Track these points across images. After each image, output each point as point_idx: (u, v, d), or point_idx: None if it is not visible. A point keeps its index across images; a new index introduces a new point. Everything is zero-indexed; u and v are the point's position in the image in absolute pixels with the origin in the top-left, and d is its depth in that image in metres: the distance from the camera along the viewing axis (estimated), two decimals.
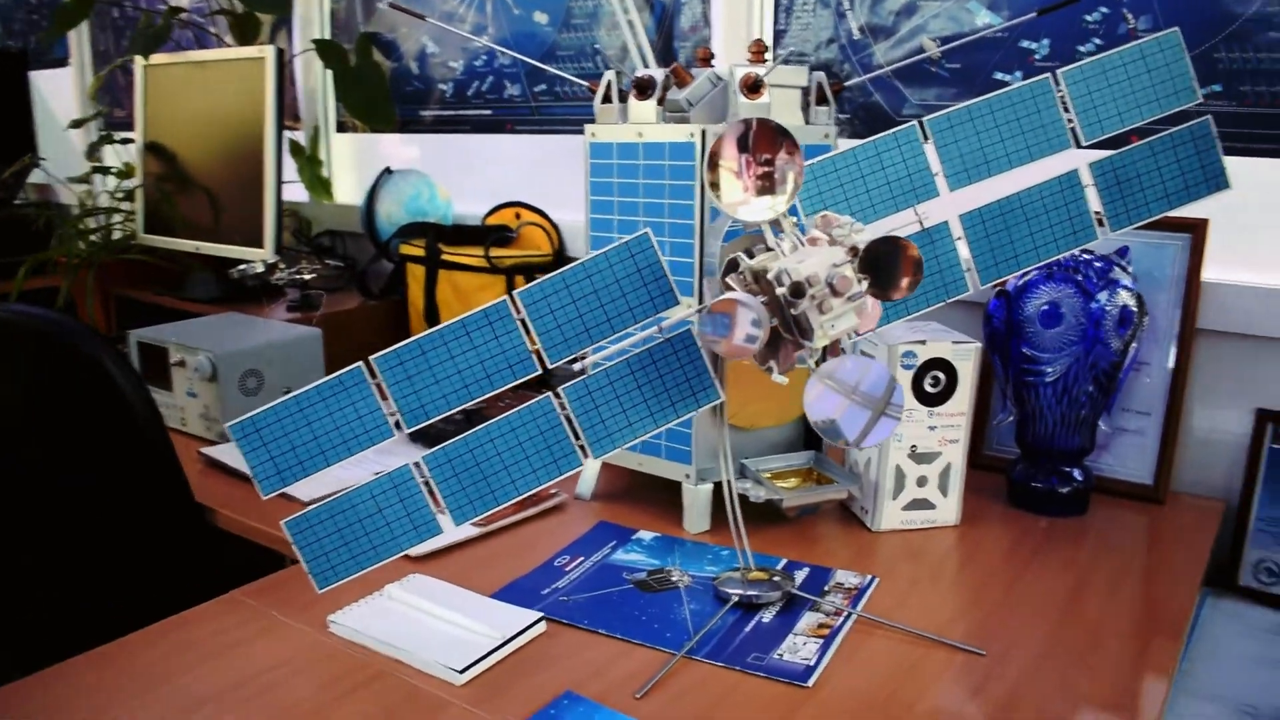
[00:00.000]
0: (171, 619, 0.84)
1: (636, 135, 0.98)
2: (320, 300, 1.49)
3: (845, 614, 0.84)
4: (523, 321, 0.78)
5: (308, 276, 1.52)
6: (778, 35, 1.34)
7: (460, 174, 1.75)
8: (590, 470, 1.12)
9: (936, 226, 0.83)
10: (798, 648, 0.79)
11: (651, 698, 0.72)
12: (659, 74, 0.98)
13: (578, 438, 0.79)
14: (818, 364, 0.67)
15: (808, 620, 0.83)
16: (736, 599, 0.85)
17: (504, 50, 1.16)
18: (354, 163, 1.95)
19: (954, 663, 0.77)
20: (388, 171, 1.66)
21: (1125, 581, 0.91)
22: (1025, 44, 1.16)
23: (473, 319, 0.77)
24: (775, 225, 0.66)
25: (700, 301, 0.96)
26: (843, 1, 1.27)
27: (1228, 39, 1.03)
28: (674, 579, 0.91)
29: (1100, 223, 0.83)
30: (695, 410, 0.81)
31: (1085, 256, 1.03)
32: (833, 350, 0.61)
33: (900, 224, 0.80)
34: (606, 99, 1.04)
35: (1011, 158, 0.82)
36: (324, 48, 1.70)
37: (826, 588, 0.89)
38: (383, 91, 1.75)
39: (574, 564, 0.94)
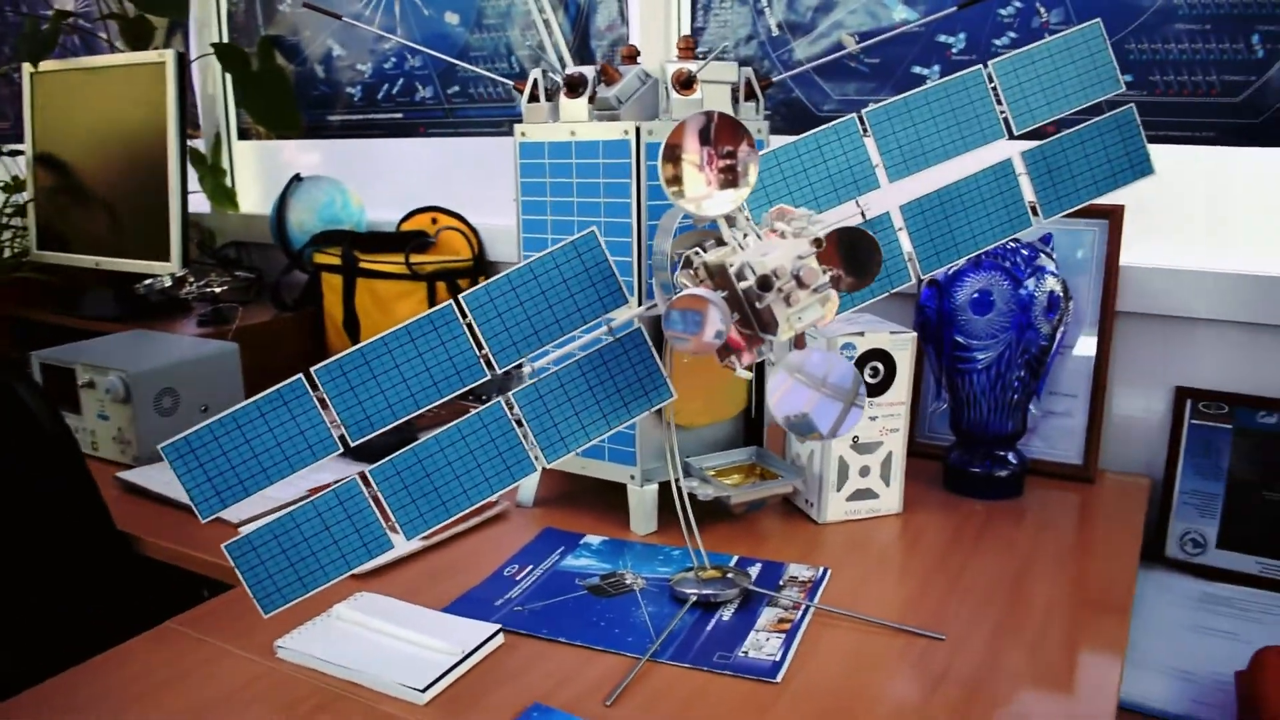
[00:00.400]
0: (104, 655, 0.79)
1: (569, 134, 0.97)
2: (235, 314, 1.43)
3: (803, 607, 0.84)
4: (469, 326, 0.76)
5: (218, 290, 1.46)
6: (696, 33, 1.34)
7: (372, 179, 1.70)
8: (531, 476, 1.10)
9: (878, 218, 0.83)
10: (761, 644, 0.78)
11: (622, 704, 0.71)
12: (590, 72, 0.97)
13: (530, 443, 0.77)
14: (776, 358, 0.66)
15: (767, 616, 0.83)
16: (695, 598, 0.84)
17: (430, 52, 1.13)
18: (258, 171, 1.88)
19: (916, 649, 0.78)
20: (297, 178, 1.60)
21: (1067, 561, 0.93)
22: (942, 38, 1.18)
23: (417, 325, 0.75)
24: (729, 220, 0.66)
25: (641, 301, 0.95)
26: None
27: (1137, 30, 1.07)
28: (628, 582, 0.90)
29: (1034, 211, 0.85)
30: (648, 409, 0.80)
31: (1011, 244, 1.05)
32: (798, 343, 0.61)
33: (843, 216, 0.80)
34: (533, 98, 1.02)
35: (948, 148, 0.83)
36: (224, 52, 1.63)
37: (781, 582, 0.89)
38: (287, 96, 1.69)
39: (524, 573, 0.92)
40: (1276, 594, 1.04)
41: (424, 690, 0.71)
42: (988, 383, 1.06)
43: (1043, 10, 1.12)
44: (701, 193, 0.60)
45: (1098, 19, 0.84)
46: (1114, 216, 1.10)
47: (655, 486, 1.01)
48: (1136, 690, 0.88)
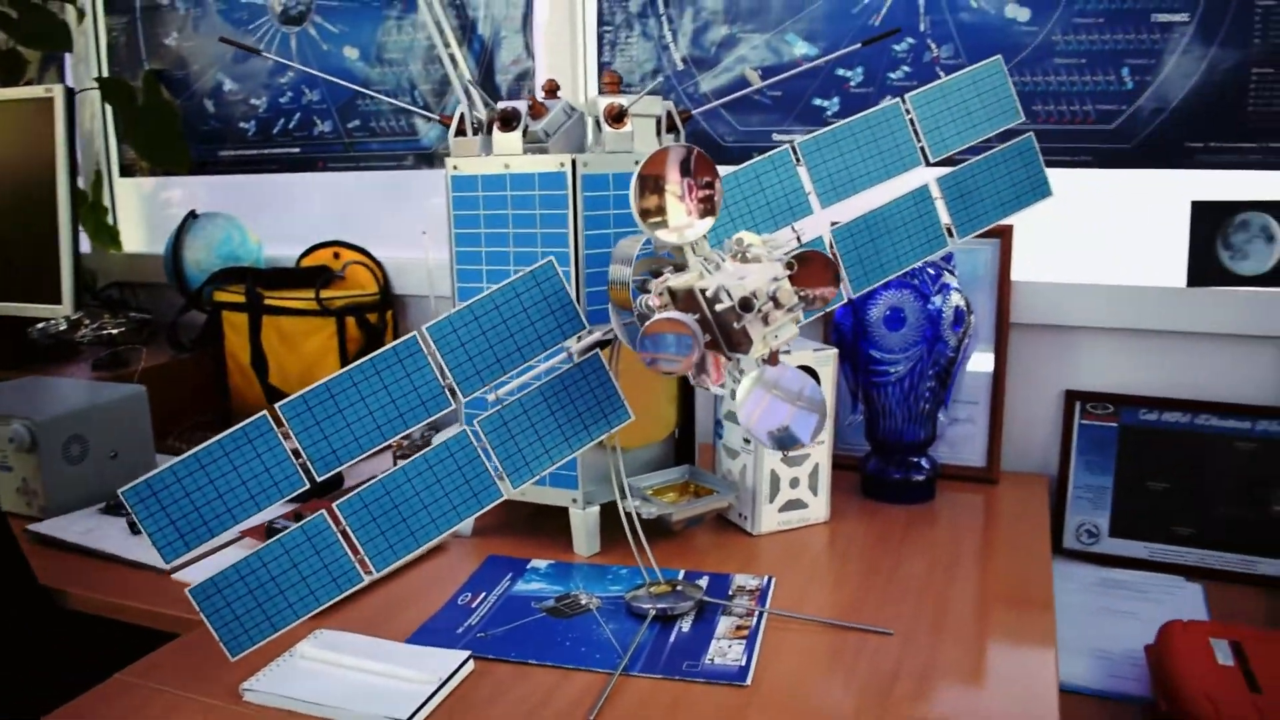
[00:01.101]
0: (55, 714, 0.76)
1: (503, 167, 0.99)
2: (139, 356, 1.37)
3: (757, 614, 0.88)
4: (433, 356, 0.77)
5: (114, 332, 1.40)
6: (602, 67, 1.38)
7: (266, 215, 1.66)
8: None
9: (813, 241, 0.88)
10: (725, 651, 0.82)
11: (604, 717, 0.73)
12: (522, 106, 1.00)
13: (496, 470, 0.79)
14: (741, 374, 0.70)
15: (724, 624, 0.86)
16: (654, 613, 0.87)
17: (360, 90, 1.14)
18: (142, 209, 1.82)
19: (868, 644, 0.82)
20: (193, 215, 1.56)
21: (988, 559, 1.00)
22: (841, 72, 1.25)
23: (382, 358, 0.76)
24: (693, 247, 0.69)
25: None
26: (665, 35, 1.33)
27: (1019, 65, 1.17)
28: (583, 602, 0.92)
29: (950, 233, 0.92)
30: (608, 431, 0.83)
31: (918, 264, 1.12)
32: (771, 360, 0.65)
33: (780, 241, 0.85)
34: (460, 132, 1.04)
35: (873, 176, 0.89)
36: (109, 86, 1.58)
37: (730, 591, 0.92)
38: (175, 131, 1.65)
39: (478, 600, 0.93)
40: (1166, 575, 1.14)
41: None
42: (901, 394, 1.12)
43: (934, 45, 1.20)
44: (684, 222, 0.64)
45: (998, 56, 0.92)
46: (1005, 236, 1.19)
47: (597, 508, 1.03)
48: (1060, 670, 0.95)
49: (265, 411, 0.74)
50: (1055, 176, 1.17)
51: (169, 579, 1.00)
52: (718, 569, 0.98)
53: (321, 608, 0.75)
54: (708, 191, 0.63)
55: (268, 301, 1.45)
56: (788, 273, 0.62)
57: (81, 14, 1.67)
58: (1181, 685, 0.84)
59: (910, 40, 1.21)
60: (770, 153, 0.86)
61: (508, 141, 0.99)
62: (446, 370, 0.77)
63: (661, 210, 0.63)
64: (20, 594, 0.98)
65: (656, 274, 0.76)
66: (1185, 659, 0.87)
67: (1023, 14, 1.16)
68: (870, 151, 0.89)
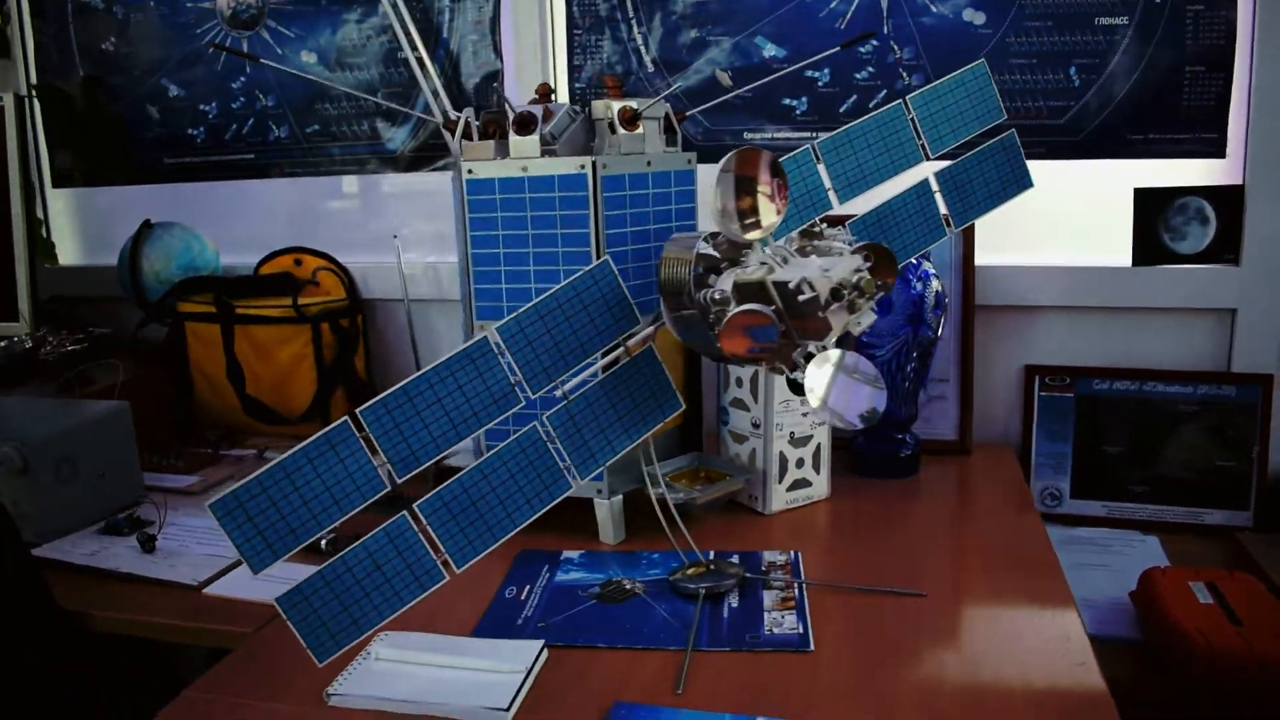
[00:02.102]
0: None
1: (521, 170, 1.02)
2: (115, 372, 1.33)
3: (796, 585, 0.94)
4: (504, 355, 0.79)
5: (76, 348, 1.36)
6: (574, 70, 1.41)
7: (217, 223, 1.63)
8: None
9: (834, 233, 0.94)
10: (779, 621, 0.87)
11: (690, 691, 0.77)
12: (538, 110, 1.02)
13: (564, 462, 0.82)
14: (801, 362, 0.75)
15: (770, 598, 0.92)
16: (704, 592, 0.92)
17: (356, 92, 1.13)
18: (77, 220, 1.75)
19: (906, 606, 0.89)
20: (148, 225, 1.52)
21: (986, 524, 1.08)
22: (810, 73, 1.32)
23: (456, 360, 0.78)
24: (763, 241, 0.74)
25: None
26: (635, 38, 1.37)
27: None
28: (628, 588, 0.95)
29: (948, 223, 0.99)
30: (664, 420, 0.87)
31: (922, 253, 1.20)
32: (849, 344, 0.70)
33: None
34: (466, 136, 1.06)
35: (882, 172, 0.96)
36: (45, 93, 1.52)
37: (764, 567, 0.98)
38: (118, 139, 1.60)
39: (525, 593, 0.95)
40: (1124, 530, 1.24)
41: (508, 709, 0.74)
42: (888, 375, 1.20)
43: (896, 47, 1.28)
44: (772, 221, 0.69)
45: (982, 60, 1.00)
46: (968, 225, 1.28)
47: (620, 498, 1.07)
48: None
49: (347, 417, 0.75)
50: None
51: (200, 594, 0.99)
52: (740, 548, 1.03)
53: (406, 608, 0.77)
54: (786, 191, 0.69)
55: (239, 311, 1.42)
56: (868, 264, 0.68)
57: (7, 19, 1.60)
58: (1173, 624, 0.94)
59: (874, 42, 1.28)
60: (793, 153, 0.92)
61: (525, 145, 1.02)
62: (516, 368, 0.80)
63: (755, 210, 0.68)
64: (44, 620, 0.96)
65: (711, 269, 0.81)
66: (1172, 601, 0.97)
67: (979, 17, 1.25)
68: (879, 149, 0.96)
